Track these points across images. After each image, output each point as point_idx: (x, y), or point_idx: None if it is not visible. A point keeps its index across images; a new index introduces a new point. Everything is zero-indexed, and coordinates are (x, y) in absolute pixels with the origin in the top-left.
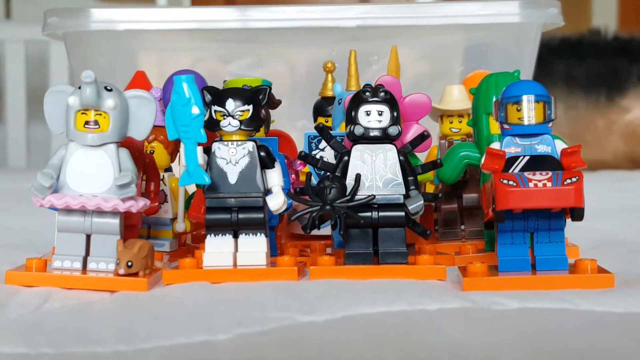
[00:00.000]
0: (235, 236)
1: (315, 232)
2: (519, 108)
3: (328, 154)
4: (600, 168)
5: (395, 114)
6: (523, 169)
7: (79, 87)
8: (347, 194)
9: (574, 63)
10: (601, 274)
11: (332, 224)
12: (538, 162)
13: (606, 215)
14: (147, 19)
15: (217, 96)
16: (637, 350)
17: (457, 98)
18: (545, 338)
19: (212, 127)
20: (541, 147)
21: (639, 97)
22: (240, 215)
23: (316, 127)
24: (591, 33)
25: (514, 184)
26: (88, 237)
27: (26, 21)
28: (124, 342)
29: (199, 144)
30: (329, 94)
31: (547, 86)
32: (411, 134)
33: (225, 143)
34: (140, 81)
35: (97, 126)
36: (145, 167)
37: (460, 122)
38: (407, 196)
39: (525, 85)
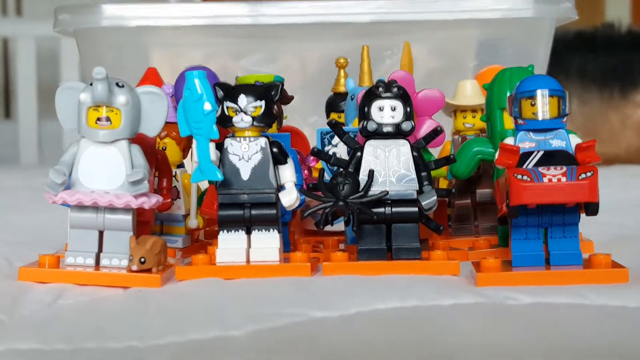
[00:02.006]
0: (248, 232)
1: (328, 228)
2: (533, 103)
3: (341, 150)
4: (614, 163)
5: (408, 109)
6: (537, 164)
7: (91, 84)
8: (360, 189)
9: (588, 57)
10: (615, 268)
11: (345, 220)
12: (552, 157)
13: (621, 210)
14: (159, 15)
15: (229, 92)
16: None
17: (471, 93)
18: (559, 333)
19: (225, 123)
20: (555, 142)
21: None
22: (253, 212)
23: (329, 123)
24: (605, 27)
25: (528, 179)
26: (101, 233)
27: (37, 18)
28: (137, 338)
29: (212, 140)
30: (342, 89)
31: (561, 81)
32: (424, 129)
33: (238, 139)
34: (151, 77)
35: (109, 122)
36: (158, 164)
37: (474, 117)
38: (420, 192)
39: (539, 79)
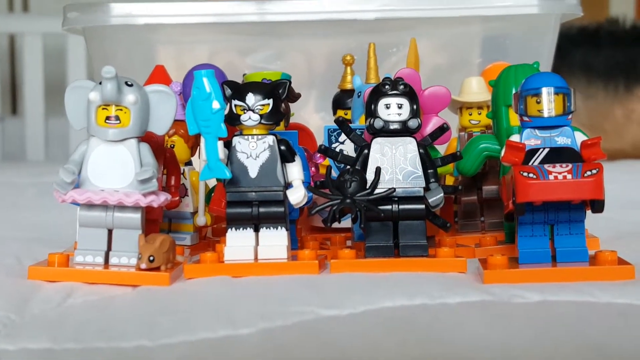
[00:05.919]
0: (256, 230)
1: (335, 225)
2: (538, 100)
3: (348, 147)
4: (619, 157)
5: (414, 106)
6: (543, 161)
7: (100, 83)
8: (367, 187)
9: (592, 52)
10: (622, 265)
11: (352, 217)
12: (558, 154)
13: (626, 206)
14: (166, 13)
15: (237, 90)
16: None
17: (476, 90)
18: (565, 330)
19: (233, 121)
20: (561, 139)
21: None
22: (261, 209)
23: (336, 120)
24: (609, 22)
25: (534, 177)
26: (110, 231)
27: (44, 14)
28: (147, 337)
29: (220, 139)
30: (348, 86)
31: (565, 76)
32: (431, 126)
33: (246, 137)
34: (159, 75)
35: (118, 121)
36: (166, 162)
37: (480, 114)
38: (427, 189)
39: (544, 77)
